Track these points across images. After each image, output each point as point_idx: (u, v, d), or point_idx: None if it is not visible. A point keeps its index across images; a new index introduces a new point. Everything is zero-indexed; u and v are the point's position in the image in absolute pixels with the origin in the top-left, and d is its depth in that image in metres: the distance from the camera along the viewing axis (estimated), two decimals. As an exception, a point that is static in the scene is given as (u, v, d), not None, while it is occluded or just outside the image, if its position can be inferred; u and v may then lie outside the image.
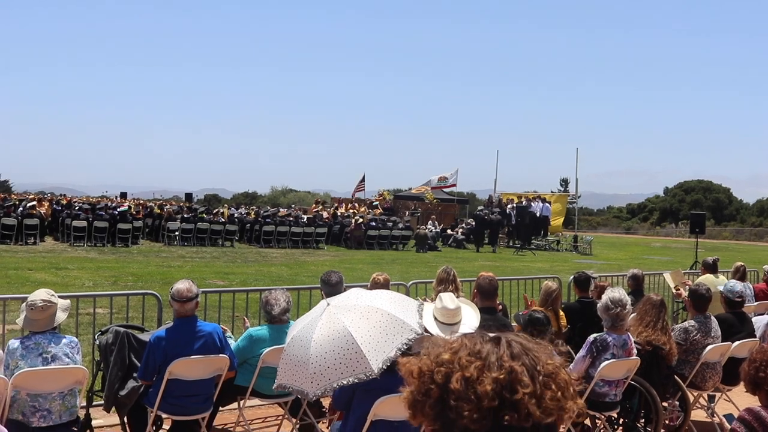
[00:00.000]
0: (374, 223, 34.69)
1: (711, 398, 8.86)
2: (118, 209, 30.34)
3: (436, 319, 6.02)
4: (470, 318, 6.15)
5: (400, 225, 35.83)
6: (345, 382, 4.68)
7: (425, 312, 6.10)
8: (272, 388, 5.64)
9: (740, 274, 11.87)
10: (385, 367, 4.69)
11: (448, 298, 6.10)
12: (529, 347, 1.68)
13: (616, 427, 7.87)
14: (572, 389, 1.69)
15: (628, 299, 7.18)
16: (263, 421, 8.14)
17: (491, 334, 1.73)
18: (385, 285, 8.11)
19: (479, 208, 38.19)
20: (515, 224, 37.64)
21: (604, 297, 7.22)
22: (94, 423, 6.98)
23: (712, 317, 8.28)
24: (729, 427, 4.04)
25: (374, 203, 44.82)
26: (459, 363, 1.63)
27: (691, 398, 8.19)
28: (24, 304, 6.02)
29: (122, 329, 6.99)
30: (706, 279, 10.82)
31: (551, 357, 1.71)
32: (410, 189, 51.79)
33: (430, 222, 37.23)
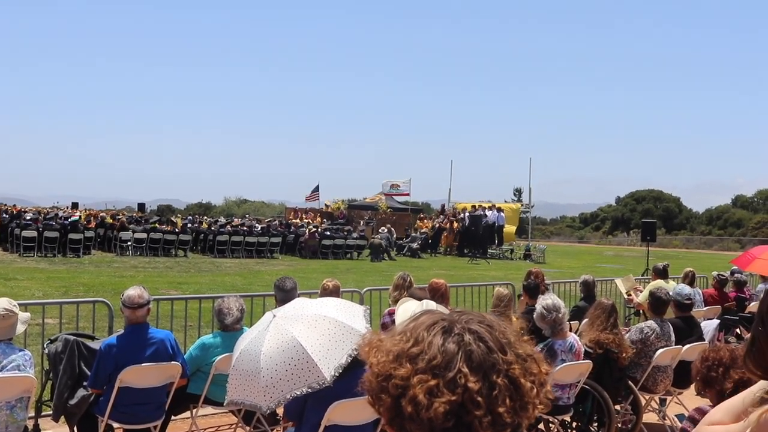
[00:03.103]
0: (329, 233, 34.62)
1: (662, 401, 8.98)
2: (69, 219, 29.93)
3: None
4: None
5: (355, 234, 35.80)
6: (298, 393, 4.65)
7: (404, 312, 6.07)
8: (224, 404, 5.60)
9: (689, 279, 12.09)
10: (337, 374, 4.67)
11: (431, 306, 5.98)
12: (493, 346, 1.63)
13: (569, 430, 7.92)
14: (535, 393, 1.65)
15: (561, 303, 7.26)
16: (216, 430, 8.06)
17: (458, 327, 1.67)
18: (335, 291, 8.08)
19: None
20: (469, 233, 37.77)
21: (538, 306, 7.28)
22: (43, 434, 6.87)
23: (668, 321, 8.39)
24: (680, 426, 4.09)
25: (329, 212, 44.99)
26: (413, 381, 1.58)
27: (643, 401, 8.28)
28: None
29: (72, 337, 6.87)
30: (657, 284, 10.97)
31: (523, 354, 1.67)
32: (365, 198, 51.79)
33: (383, 228, 37.13)
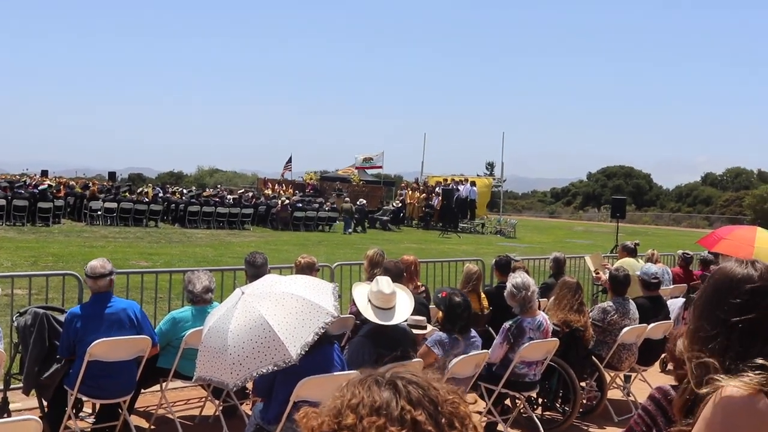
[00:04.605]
0: (300, 205, 34.59)
1: (627, 378, 9.12)
2: (38, 187, 29.64)
3: (370, 302, 5.99)
4: (405, 304, 6.14)
5: (327, 206, 35.78)
6: (264, 371, 4.70)
7: (359, 294, 6.13)
8: (192, 380, 5.64)
9: (651, 260, 12.25)
10: (303, 352, 4.72)
11: (384, 282, 6.05)
12: (425, 386, 1.66)
13: (535, 406, 8.03)
14: (471, 419, 1.70)
15: (531, 281, 7.35)
16: (186, 403, 8.08)
17: (386, 376, 1.69)
18: (307, 267, 8.08)
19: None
20: (441, 207, 37.89)
21: (508, 285, 7.36)
22: (11, 407, 6.87)
23: (630, 300, 8.50)
24: (641, 404, 4.18)
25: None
26: (363, 424, 1.58)
27: (608, 378, 8.41)
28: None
29: (41, 310, 6.85)
30: (626, 262, 11.10)
31: (449, 390, 1.71)
32: (337, 170, 51.74)
33: (361, 200, 37.07)
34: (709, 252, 12.97)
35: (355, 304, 6.33)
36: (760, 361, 2.14)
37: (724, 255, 11.71)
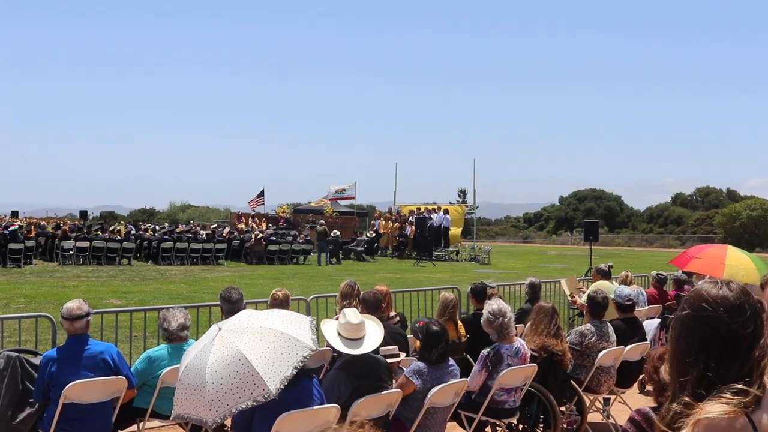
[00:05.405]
0: (274, 238, 34.50)
1: (606, 401, 9.12)
2: (9, 228, 29.35)
3: (340, 335, 6.00)
4: (374, 332, 6.16)
5: (300, 239, 35.71)
6: (243, 406, 4.66)
7: (328, 329, 6.13)
8: (170, 419, 5.59)
9: (626, 282, 12.30)
10: (282, 386, 4.69)
11: (351, 314, 6.11)
12: None
13: (515, 433, 8.01)
14: None
15: (507, 307, 7.37)
16: (164, 443, 7.99)
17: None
18: (285, 301, 8.09)
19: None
20: (415, 236, 37.94)
21: (485, 312, 7.37)
22: (-15, 453, 6.74)
23: (608, 322, 8.53)
24: (622, 427, 4.17)
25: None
26: None
27: (588, 402, 8.41)
28: None
29: (14, 354, 6.76)
30: (602, 285, 11.13)
31: None
32: (309, 202, 51.72)
33: (335, 231, 37.05)
34: (682, 271, 13.06)
35: None
36: (738, 386, 2.16)
37: (697, 274, 11.82)
